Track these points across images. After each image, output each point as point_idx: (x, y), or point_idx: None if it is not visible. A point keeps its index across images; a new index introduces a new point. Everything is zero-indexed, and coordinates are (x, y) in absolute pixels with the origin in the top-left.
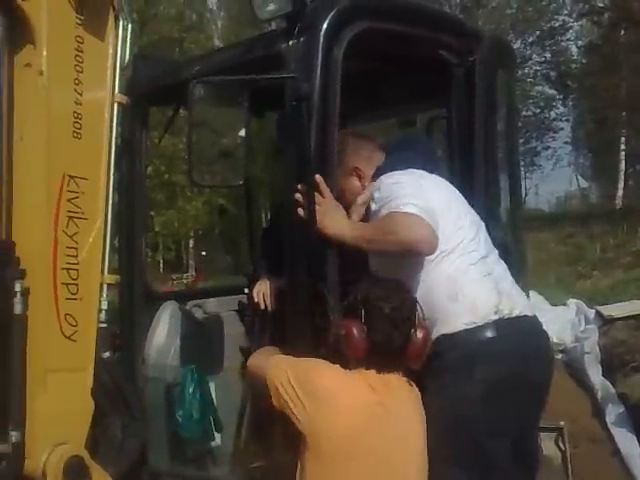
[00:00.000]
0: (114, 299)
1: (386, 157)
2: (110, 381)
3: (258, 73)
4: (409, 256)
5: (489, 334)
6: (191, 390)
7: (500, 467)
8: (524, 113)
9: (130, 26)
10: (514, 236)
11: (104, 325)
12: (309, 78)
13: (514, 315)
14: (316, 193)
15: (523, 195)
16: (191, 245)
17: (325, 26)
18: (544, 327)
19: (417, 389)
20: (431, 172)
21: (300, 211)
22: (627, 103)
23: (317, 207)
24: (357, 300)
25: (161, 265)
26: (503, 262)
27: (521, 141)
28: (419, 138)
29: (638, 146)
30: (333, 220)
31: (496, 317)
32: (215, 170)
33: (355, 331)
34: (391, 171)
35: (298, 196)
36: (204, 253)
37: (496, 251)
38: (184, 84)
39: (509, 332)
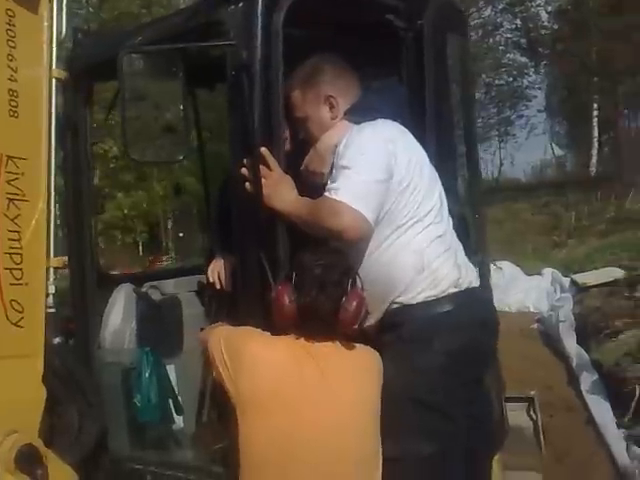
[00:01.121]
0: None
1: (363, 96)
2: (63, 367)
3: (197, 42)
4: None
5: (448, 306)
6: (147, 374)
7: (461, 433)
8: (497, 82)
9: None
10: (472, 207)
11: (53, 310)
12: (248, 45)
13: (470, 287)
14: (262, 166)
15: (498, 165)
16: (169, 226)
17: None
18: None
19: (364, 358)
20: (405, 124)
21: (247, 185)
22: (597, 68)
23: (264, 180)
24: (292, 265)
25: (140, 247)
26: (455, 233)
27: (494, 111)
28: (396, 82)
29: (610, 112)
30: (279, 194)
31: (455, 290)
32: (158, 145)
33: (283, 295)
34: (366, 117)
35: (244, 170)
36: (181, 234)
37: (451, 222)
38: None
39: (465, 304)
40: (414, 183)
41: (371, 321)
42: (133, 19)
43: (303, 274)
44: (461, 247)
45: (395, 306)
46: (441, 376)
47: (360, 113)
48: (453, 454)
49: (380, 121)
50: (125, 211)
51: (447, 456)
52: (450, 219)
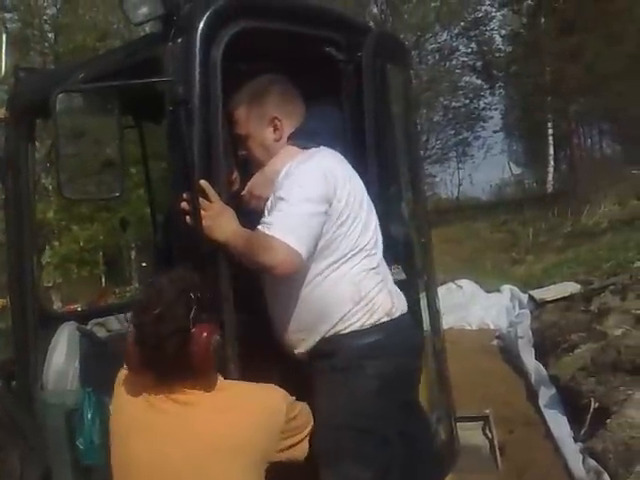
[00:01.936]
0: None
1: (306, 121)
2: (4, 411)
3: (137, 78)
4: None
5: (380, 334)
6: (90, 415)
7: (398, 455)
8: (453, 104)
9: (4, 37)
10: (418, 231)
11: None
12: (186, 81)
13: (400, 315)
14: (202, 199)
15: (457, 185)
16: (133, 256)
17: (201, 27)
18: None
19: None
20: (345, 151)
21: (187, 218)
22: (551, 88)
23: (204, 213)
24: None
25: (103, 279)
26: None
27: (452, 132)
28: (337, 109)
29: (564, 130)
30: (219, 225)
31: (387, 318)
32: (98, 181)
33: (129, 344)
34: (310, 141)
35: (184, 204)
36: (144, 264)
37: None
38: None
39: (396, 331)
40: (353, 215)
41: (302, 349)
42: (89, 52)
43: (140, 326)
44: (390, 276)
45: (329, 335)
46: (375, 401)
47: (304, 137)
48: (391, 477)
49: (322, 152)
50: (81, 244)
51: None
52: (381, 248)
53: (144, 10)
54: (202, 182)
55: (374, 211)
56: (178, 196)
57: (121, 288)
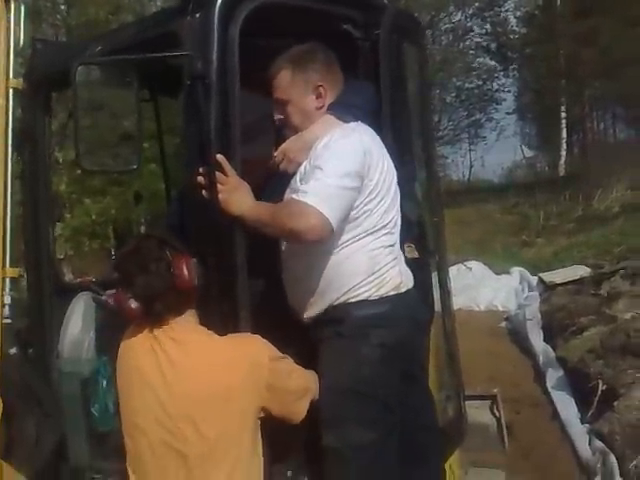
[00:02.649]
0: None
1: (345, 93)
2: (20, 379)
3: (154, 52)
4: (296, 243)
5: (386, 306)
6: (104, 383)
7: (397, 423)
8: (466, 85)
9: (23, 8)
10: (431, 211)
11: (9, 321)
12: (204, 56)
13: (407, 290)
14: (219, 173)
15: (469, 167)
16: (142, 231)
17: (219, 2)
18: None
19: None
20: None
21: (203, 192)
22: (565, 71)
23: (220, 187)
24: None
25: (112, 253)
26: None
27: (464, 114)
28: (368, 86)
29: (578, 114)
30: (236, 200)
31: (394, 292)
32: (115, 154)
33: (120, 300)
34: (348, 113)
35: (200, 178)
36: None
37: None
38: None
39: (402, 304)
40: (382, 194)
41: (310, 314)
42: (101, 25)
43: (120, 271)
44: (402, 255)
45: (338, 302)
46: (378, 368)
47: (342, 109)
48: (391, 442)
49: (361, 128)
50: (93, 217)
51: (386, 444)
52: (399, 229)
53: None
54: (218, 156)
55: (399, 192)
56: (194, 170)
57: None
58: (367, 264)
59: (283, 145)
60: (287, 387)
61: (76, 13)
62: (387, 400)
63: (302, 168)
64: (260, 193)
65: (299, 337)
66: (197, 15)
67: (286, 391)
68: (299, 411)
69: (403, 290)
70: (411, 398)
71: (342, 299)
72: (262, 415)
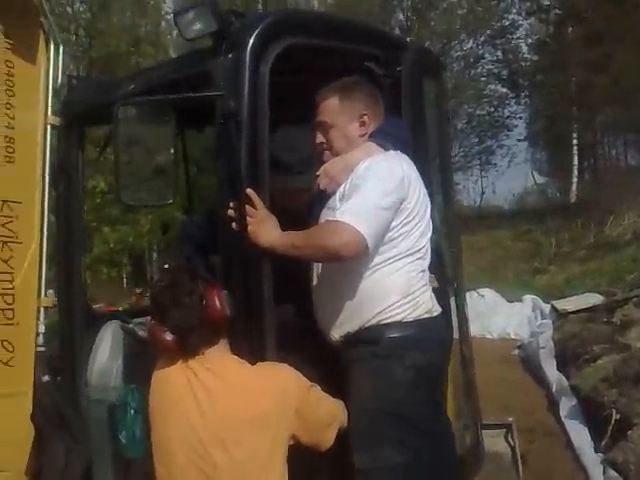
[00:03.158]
0: (55, 321)
1: (385, 124)
2: (51, 405)
3: (187, 91)
4: (332, 261)
5: (420, 329)
6: (133, 410)
7: (427, 446)
8: (478, 112)
9: (62, 48)
10: (449, 239)
11: (42, 349)
12: (236, 95)
13: (438, 314)
14: (248, 206)
15: (480, 193)
16: (154, 258)
17: (251, 43)
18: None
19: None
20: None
21: (233, 225)
22: (576, 98)
23: (249, 219)
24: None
25: (124, 280)
26: None
27: (476, 140)
28: (402, 120)
29: (589, 140)
30: (264, 231)
31: (427, 316)
32: (149, 188)
33: (154, 331)
34: (388, 141)
35: (230, 211)
36: (167, 266)
37: None
38: (114, 105)
39: (434, 328)
40: (418, 218)
41: (341, 333)
42: (122, 58)
43: (154, 304)
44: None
45: (372, 323)
46: (411, 390)
47: (383, 137)
48: (421, 465)
49: (401, 155)
50: (111, 245)
51: (416, 466)
52: (429, 257)
53: (197, 26)
54: (248, 190)
55: (431, 222)
56: (225, 203)
57: (143, 291)
58: (403, 286)
59: (325, 165)
60: (316, 415)
61: (98, 45)
62: (418, 422)
63: (342, 188)
64: (304, 218)
65: (327, 362)
66: (230, 55)
67: (315, 419)
68: (327, 439)
69: (435, 314)
70: (438, 421)
71: (376, 319)
72: (292, 442)
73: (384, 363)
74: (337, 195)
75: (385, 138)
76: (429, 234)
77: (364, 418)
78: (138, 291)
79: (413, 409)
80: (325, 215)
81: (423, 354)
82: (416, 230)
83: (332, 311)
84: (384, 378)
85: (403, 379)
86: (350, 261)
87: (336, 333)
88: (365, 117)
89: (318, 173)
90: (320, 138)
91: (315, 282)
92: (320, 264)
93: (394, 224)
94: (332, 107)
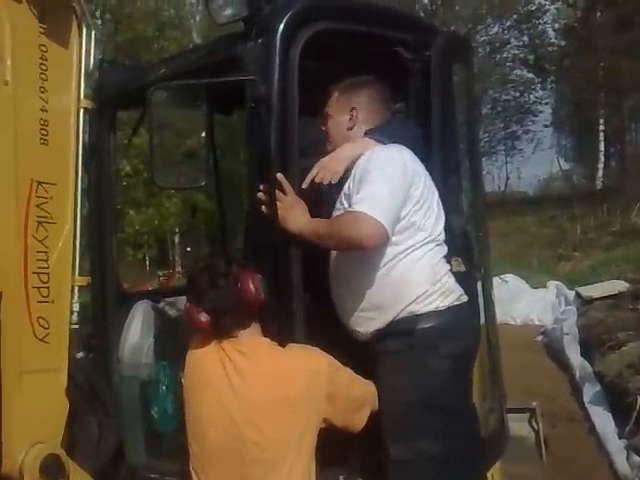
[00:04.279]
0: (88, 300)
1: (387, 124)
2: (85, 380)
3: (218, 76)
4: (354, 251)
5: (453, 317)
6: (164, 386)
7: (466, 439)
8: (504, 97)
9: (93, 33)
10: (476, 225)
11: (76, 326)
12: (267, 80)
13: (464, 301)
14: (277, 191)
15: (505, 179)
16: (177, 241)
17: (281, 28)
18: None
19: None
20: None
21: (262, 208)
22: (604, 84)
23: (278, 204)
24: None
25: (147, 263)
26: None
27: (501, 126)
28: (408, 122)
29: (617, 126)
30: (293, 217)
31: (458, 303)
32: (180, 171)
33: (193, 313)
34: (389, 138)
35: (260, 195)
36: (189, 249)
37: None
38: (146, 89)
39: (465, 315)
40: (427, 205)
41: (370, 329)
42: (147, 42)
43: (191, 286)
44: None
45: (404, 314)
46: (448, 379)
47: (383, 134)
48: (457, 452)
49: (399, 146)
50: (137, 227)
51: (453, 454)
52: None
53: (229, 12)
54: (278, 175)
55: (442, 208)
56: (255, 186)
57: (171, 273)
58: (429, 273)
59: (324, 158)
60: (347, 397)
61: (124, 29)
62: (454, 411)
63: (349, 183)
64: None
65: (355, 350)
66: (260, 40)
67: (346, 401)
68: (359, 420)
69: (464, 300)
70: (470, 406)
71: (407, 311)
72: (323, 425)
73: (420, 354)
74: (346, 188)
75: (382, 135)
76: (442, 221)
77: (400, 410)
78: (161, 274)
79: (449, 399)
80: (337, 209)
81: (457, 343)
82: (429, 217)
83: (354, 307)
84: (421, 369)
85: (439, 369)
86: (371, 252)
87: (363, 328)
88: (354, 111)
89: (316, 165)
90: (322, 127)
91: (336, 278)
92: (335, 260)
93: (404, 212)
94: (332, 100)
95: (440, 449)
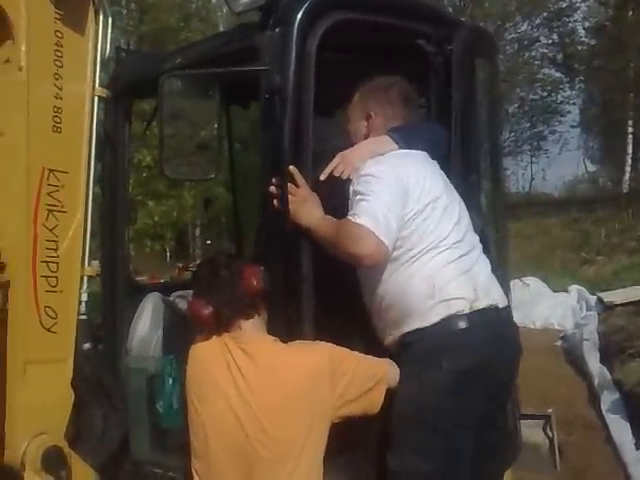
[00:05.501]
0: (98, 290)
1: (408, 126)
2: (91, 372)
3: (233, 65)
4: (351, 263)
5: (460, 326)
6: (170, 381)
7: (462, 457)
8: (530, 96)
9: (110, 20)
10: (495, 224)
11: (84, 317)
12: (282, 71)
13: (488, 307)
14: (290, 184)
15: (530, 179)
16: (197, 234)
17: (299, 18)
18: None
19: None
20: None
21: (274, 201)
22: (634, 85)
23: (290, 197)
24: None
25: (168, 255)
26: (484, 255)
27: (527, 125)
28: (434, 124)
29: None
30: (305, 211)
31: (469, 311)
32: (191, 162)
33: (195, 306)
34: (405, 140)
35: (272, 188)
36: (209, 242)
37: (480, 245)
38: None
39: (479, 324)
40: (425, 213)
41: (389, 341)
42: (172, 33)
43: (196, 279)
44: (487, 269)
45: (408, 329)
46: (446, 395)
47: (399, 133)
48: (453, 473)
49: (405, 154)
50: (156, 219)
51: (446, 475)
52: (478, 242)
53: (246, 0)
54: (291, 167)
55: (458, 206)
56: (267, 179)
57: (185, 265)
58: (425, 286)
59: (342, 152)
60: (357, 383)
61: (149, 19)
62: (450, 430)
63: (350, 191)
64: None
65: (368, 348)
66: (277, 30)
67: (357, 386)
68: (375, 400)
69: (480, 307)
70: (486, 422)
71: (415, 326)
72: (338, 420)
73: (419, 366)
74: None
75: (401, 135)
76: (452, 221)
77: (396, 422)
78: (180, 265)
79: (446, 415)
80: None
81: (465, 356)
82: (426, 225)
83: (378, 324)
84: (417, 382)
85: (438, 384)
86: (369, 269)
87: (388, 342)
88: (370, 119)
89: (337, 156)
90: (346, 126)
91: (365, 288)
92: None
93: (402, 225)
94: (352, 104)
95: (429, 468)
